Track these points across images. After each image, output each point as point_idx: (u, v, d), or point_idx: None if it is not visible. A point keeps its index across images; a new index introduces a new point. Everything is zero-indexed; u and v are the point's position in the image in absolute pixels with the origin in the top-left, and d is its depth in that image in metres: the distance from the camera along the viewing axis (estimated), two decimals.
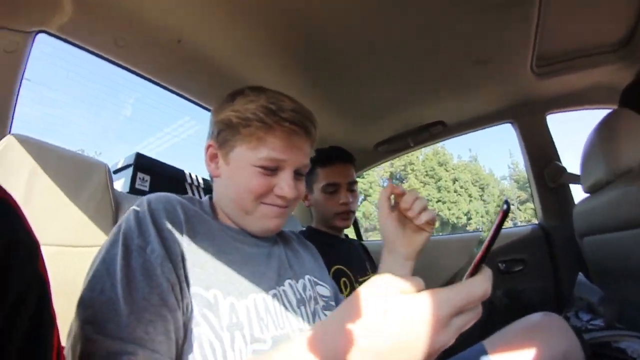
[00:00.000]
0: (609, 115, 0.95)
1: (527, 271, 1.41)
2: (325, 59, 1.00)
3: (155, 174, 1.09)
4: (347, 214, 1.08)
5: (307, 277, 0.63)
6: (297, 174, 0.59)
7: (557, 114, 1.47)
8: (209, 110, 0.99)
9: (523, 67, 1.19)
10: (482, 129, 1.56)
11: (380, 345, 0.26)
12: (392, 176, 21.33)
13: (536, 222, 1.50)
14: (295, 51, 0.96)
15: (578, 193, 1.21)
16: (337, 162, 1.09)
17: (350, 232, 1.44)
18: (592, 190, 0.99)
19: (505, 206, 0.29)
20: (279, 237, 0.68)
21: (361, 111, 1.36)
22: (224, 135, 0.58)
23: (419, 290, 0.28)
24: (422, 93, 1.27)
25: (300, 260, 0.66)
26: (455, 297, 0.27)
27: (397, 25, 0.89)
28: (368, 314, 0.27)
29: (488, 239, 0.29)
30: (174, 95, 1.09)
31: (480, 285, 0.28)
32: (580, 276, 1.11)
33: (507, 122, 1.50)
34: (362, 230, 2.01)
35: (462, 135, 1.60)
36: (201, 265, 0.47)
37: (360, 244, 1.26)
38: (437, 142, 1.69)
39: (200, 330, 0.43)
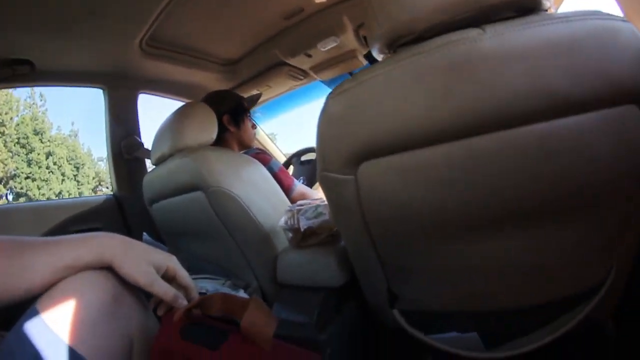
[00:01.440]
0: (186, 104, 1.18)
1: None
2: None
3: None
4: None
5: None
6: None
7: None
8: None
9: (132, 39, 1.20)
10: (73, 87, 1.41)
11: None
12: None
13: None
14: None
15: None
16: None
17: None
18: (157, 162, 1.14)
19: None
20: None
21: None
22: None
23: None
24: (11, 19, 0.97)
25: None
26: None
27: None
28: None
29: None
30: None
31: None
32: (145, 236, 1.28)
33: (99, 87, 1.44)
34: None
35: (52, 86, 1.38)
36: None
37: None
38: (23, 86, 1.34)
39: None
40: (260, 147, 2.16)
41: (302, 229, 0.81)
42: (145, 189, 1.26)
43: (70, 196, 18.48)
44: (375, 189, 0.58)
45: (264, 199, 1.00)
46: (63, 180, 18.57)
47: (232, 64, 1.54)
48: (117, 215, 1.49)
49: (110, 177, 1.54)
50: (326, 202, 0.86)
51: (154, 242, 1.24)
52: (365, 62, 1.63)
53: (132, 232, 1.50)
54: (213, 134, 1.09)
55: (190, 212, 1.06)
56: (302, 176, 1.73)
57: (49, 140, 18.45)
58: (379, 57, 0.64)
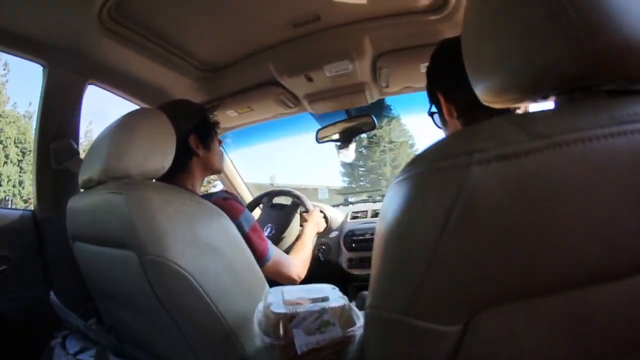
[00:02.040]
0: (137, 112, 0.84)
1: (13, 274, 1.02)
2: None
3: None
4: None
5: None
6: None
7: None
8: None
9: (90, 6, 0.89)
10: (9, 54, 1.01)
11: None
12: None
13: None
14: None
15: None
16: None
17: None
18: (84, 186, 0.82)
19: None
20: None
21: None
22: None
23: None
24: None
25: None
26: None
27: None
28: None
29: None
30: None
31: None
32: (52, 297, 0.90)
33: (38, 62, 1.05)
34: None
35: None
36: None
37: None
38: None
39: None
40: (228, 182, 1.84)
41: (298, 351, 0.49)
42: (68, 217, 0.89)
43: (10, 182, 16.66)
44: (492, 343, 0.33)
45: (228, 276, 0.69)
46: (5, 162, 16.80)
47: (213, 70, 1.21)
48: (33, 241, 1.09)
49: (32, 189, 1.14)
50: (333, 305, 0.56)
51: (62, 309, 0.86)
52: (370, 100, 1.39)
53: (48, 268, 1.10)
54: (166, 161, 0.76)
55: (120, 274, 0.72)
56: (270, 223, 1.43)
57: (2, 116, 16.78)
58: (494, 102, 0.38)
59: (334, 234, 1.64)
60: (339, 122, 1.53)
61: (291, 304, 0.58)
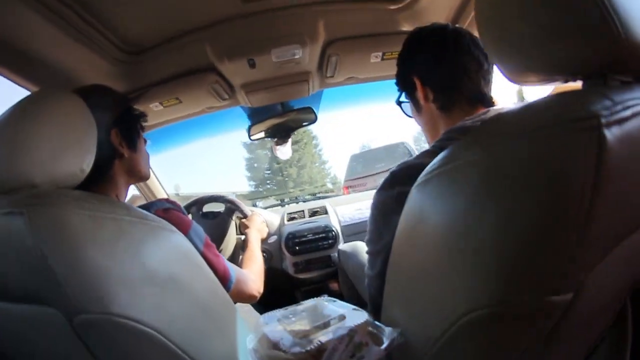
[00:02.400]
0: (40, 93, 0.60)
1: None
2: None
3: None
4: None
5: None
6: None
7: None
8: None
9: None
10: None
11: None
12: None
13: None
14: None
15: None
16: None
17: None
18: None
19: None
20: None
21: None
22: None
23: None
24: None
25: None
26: None
27: None
28: None
29: None
30: None
31: None
32: None
33: None
34: None
35: None
36: None
37: None
38: None
39: None
40: (148, 193, 1.55)
41: None
42: None
43: None
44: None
45: (198, 313, 0.53)
46: None
47: (137, 52, 0.95)
48: None
49: None
50: (357, 322, 0.46)
51: None
52: (311, 91, 1.31)
53: None
54: (86, 162, 0.55)
55: (39, 342, 0.47)
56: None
57: None
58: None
59: (273, 239, 1.53)
60: (274, 116, 1.40)
61: (302, 335, 0.45)
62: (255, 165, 16.64)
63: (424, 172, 0.42)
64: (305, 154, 16.48)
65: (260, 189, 16.35)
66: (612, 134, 0.29)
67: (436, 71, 0.65)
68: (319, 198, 2.05)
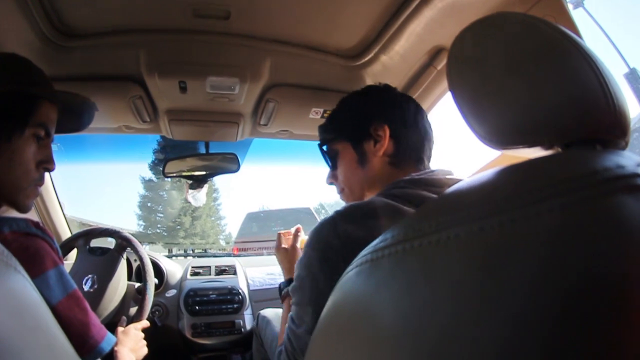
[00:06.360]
0: None
1: None
2: None
3: None
4: None
5: None
6: None
7: None
8: None
9: None
10: None
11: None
12: None
13: None
14: None
15: None
16: None
17: None
18: None
19: None
20: None
21: None
22: None
23: None
24: None
25: None
26: None
27: None
28: None
29: None
30: None
31: None
32: None
33: None
34: None
35: None
36: None
37: None
38: None
39: None
40: (42, 211, 1.24)
41: None
42: None
43: None
44: None
45: None
46: None
47: (67, 36, 0.80)
48: None
49: None
50: None
51: None
52: (239, 137, 1.24)
53: None
54: None
55: None
56: (91, 274, 1.03)
57: None
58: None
59: (171, 293, 1.30)
60: (195, 155, 1.26)
61: None
62: (149, 204, 14.76)
63: (370, 247, 0.30)
64: (202, 205, 15.31)
65: (149, 232, 14.40)
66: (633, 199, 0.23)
67: (408, 130, 0.66)
68: (228, 255, 1.85)
